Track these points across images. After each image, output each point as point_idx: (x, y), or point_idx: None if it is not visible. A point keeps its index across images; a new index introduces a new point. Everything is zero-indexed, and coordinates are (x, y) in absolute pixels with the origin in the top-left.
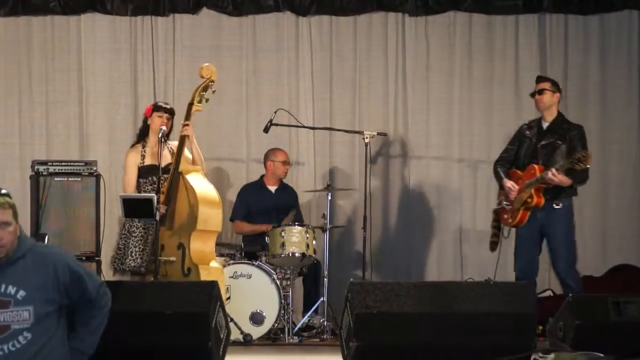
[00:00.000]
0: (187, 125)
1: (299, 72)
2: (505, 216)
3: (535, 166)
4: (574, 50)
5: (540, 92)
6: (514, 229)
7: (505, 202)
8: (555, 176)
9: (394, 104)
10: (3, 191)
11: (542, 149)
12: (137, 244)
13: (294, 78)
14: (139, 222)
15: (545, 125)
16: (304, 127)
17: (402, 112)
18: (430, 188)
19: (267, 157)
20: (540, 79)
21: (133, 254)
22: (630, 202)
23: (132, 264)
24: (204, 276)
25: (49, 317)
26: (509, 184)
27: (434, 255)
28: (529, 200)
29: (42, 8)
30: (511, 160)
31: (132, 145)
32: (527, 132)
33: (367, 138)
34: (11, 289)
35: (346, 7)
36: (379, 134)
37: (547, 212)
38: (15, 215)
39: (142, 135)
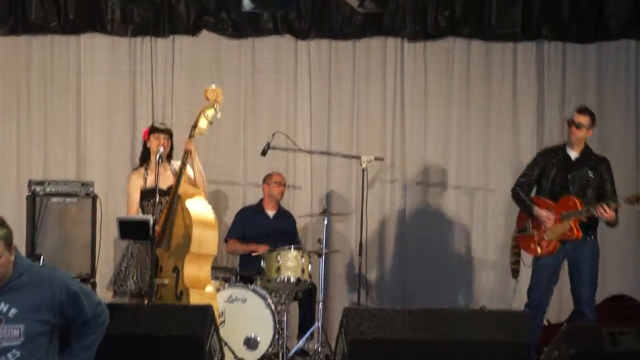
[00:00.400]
0: (190, 141)
1: (297, 96)
2: (532, 245)
3: (575, 199)
4: (571, 78)
5: (578, 126)
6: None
7: (531, 230)
8: (607, 212)
9: (392, 129)
10: None
11: (572, 179)
12: (138, 267)
13: (292, 101)
14: (141, 245)
15: (573, 155)
16: (301, 150)
17: (400, 138)
18: (426, 214)
19: (263, 180)
20: (583, 111)
21: (134, 277)
22: (627, 234)
23: (133, 287)
24: (195, 300)
25: (41, 337)
26: (545, 213)
27: (430, 281)
28: (569, 233)
29: (42, 28)
30: (531, 185)
31: (135, 169)
32: (553, 160)
33: (364, 163)
34: (3, 307)
35: (345, 31)
36: (376, 158)
37: (578, 244)
38: (7, 245)
39: (144, 159)
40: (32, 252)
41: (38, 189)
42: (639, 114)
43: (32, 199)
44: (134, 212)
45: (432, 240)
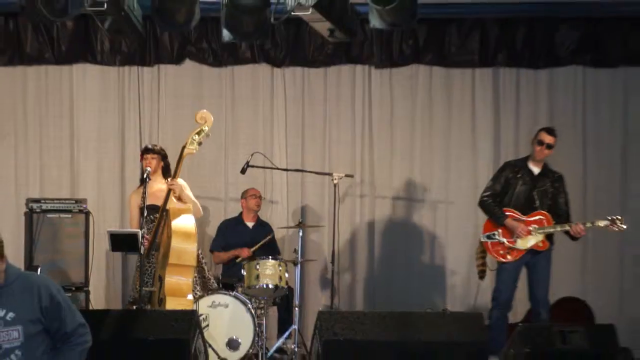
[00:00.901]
0: (173, 182)
1: (274, 119)
2: (502, 252)
3: (547, 215)
4: (525, 101)
5: (549, 147)
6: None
7: (504, 239)
8: (583, 232)
9: (361, 149)
10: None
11: (537, 194)
12: (134, 276)
13: (269, 124)
14: (144, 258)
15: (535, 170)
16: (277, 168)
17: (368, 156)
18: (393, 225)
19: (241, 196)
20: (549, 131)
21: (135, 285)
22: (574, 242)
23: (132, 294)
24: (172, 307)
25: (38, 335)
26: (521, 227)
27: (397, 286)
28: (541, 244)
29: (37, 58)
30: (497, 197)
31: (137, 188)
32: (518, 175)
33: (335, 179)
34: (0, 312)
35: (317, 59)
36: (346, 175)
37: (533, 253)
38: (0, 256)
39: (144, 180)
40: (30, 264)
41: (35, 206)
42: (586, 133)
43: (29, 215)
44: (135, 227)
45: (399, 249)
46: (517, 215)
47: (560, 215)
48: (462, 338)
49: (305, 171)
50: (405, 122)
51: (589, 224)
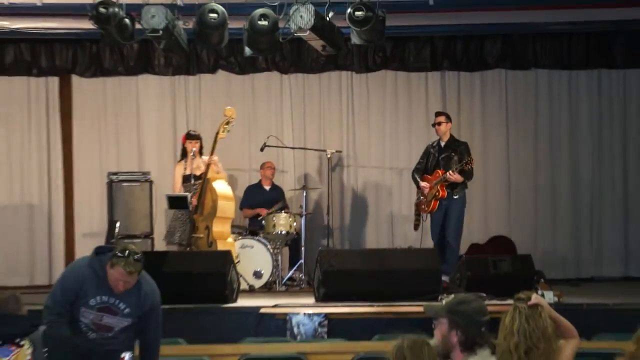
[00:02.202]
0: (211, 158)
1: (283, 111)
2: (423, 206)
3: (439, 171)
4: (463, 95)
5: (439, 124)
6: (429, 215)
7: (422, 197)
8: (452, 175)
9: (346, 132)
10: (135, 256)
11: (442, 160)
12: (181, 226)
13: (280, 115)
14: (182, 212)
15: (442, 144)
16: (286, 147)
17: (352, 137)
18: (371, 187)
19: (260, 167)
20: (437, 114)
21: (179, 232)
22: (500, 194)
23: (178, 239)
24: (221, 247)
25: (133, 327)
26: (423, 184)
27: (374, 231)
28: (437, 193)
29: (112, 71)
30: (422, 169)
31: (179, 162)
32: (432, 150)
33: (328, 154)
34: (122, 305)
35: (314, 67)
36: (336, 151)
37: (449, 200)
38: (139, 272)
39: (183, 155)
40: (111, 219)
41: (113, 177)
42: (509, 121)
43: (110, 184)
44: (177, 190)
45: (375, 203)
46: (429, 177)
47: (460, 170)
48: (422, 266)
49: (307, 148)
50: (378, 112)
51: (453, 168)
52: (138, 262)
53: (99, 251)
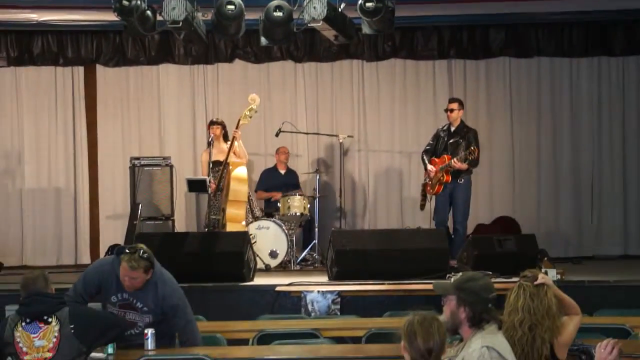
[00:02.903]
0: (236, 131)
1: (297, 98)
2: (429, 188)
3: (446, 156)
4: (469, 82)
5: (451, 110)
6: (434, 196)
7: (428, 180)
8: (456, 163)
9: (357, 118)
10: (141, 253)
11: (450, 145)
12: (207, 210)
13: (294, 102)
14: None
15: (452, 129)
16: (301, 133)
17: (363, 123)
18: (381, 170)
19: (275, 152)
20: (451, 101)
21: (206, 215)
22: (505, 176)
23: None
24: (232, 229)
25: (157, 324)
26: (429, 167)
27: (384, 212)
28: (441, 178)
29: (135, 61)
30: (432, 151)
31: (205, 149)
32: (442, 133)
33: (341, 139)
34: (139, 304)
35: (327, 56)
36: (348, 136)
37: (454, 185)
38: (146, 270)
39: (209, 143)
40: (134, 201)
41: (136, 162)
42: (513, 106)
43: (132, 168)
44: (205, 175)
45: (386, 186)
46: (436, 161)
47: (464, 159)
48: (431, 245)
49: (320, 134)
50: (388, 99)
51: (457, 157)
52: (143, 259)
53: (119, 251)
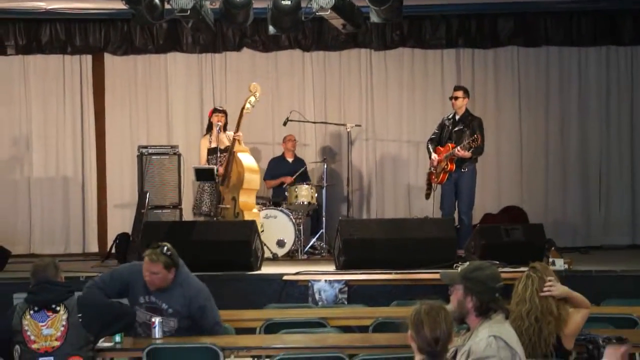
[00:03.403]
0: (238, 133)
1: (305, 87)
2: (433, 177)
3: (450, 145)
4: (477, 71)
5: (455, 98)
6: (439, 186)
7: (432, 168)
8: (460, 151)
9: (365, 107)
10: (164, 249)
11: (454, 133)
12: (208, 197)
13: (302, 91)
14: (208, 184)
15: (457, 117)
16: (308, 121)
17: (370, 112)
18: (388, 159)
19: (283, 140)
20: (456, 89)
21: (206, 204)
22: (513, 166)
23: (206, 210)
24: (247, 217)
25: (190, 326)
26: (434, 156)
27: (392, 201)
28: (445, 167)
29: (143, 50)
30: (437, 140)
31: (204, 135)
32: (446, 122)
33: (348, 128)
34: (165, 306)
35: (334, 45)
36: (356, 125)
37: (459, 174)
38: (167, 266)
39: (209, 129)
40: (142, 189)
41: (144, 150)
42: (521, 96)
43: (140, 157)
44: (203, 163)
45: (394, 175)
46: (440, 149)
47: (469, 147)
48: (439, 235)
49: (327, 123)
50: (395, 88)
51: (461, 145)
52: (163, 255)
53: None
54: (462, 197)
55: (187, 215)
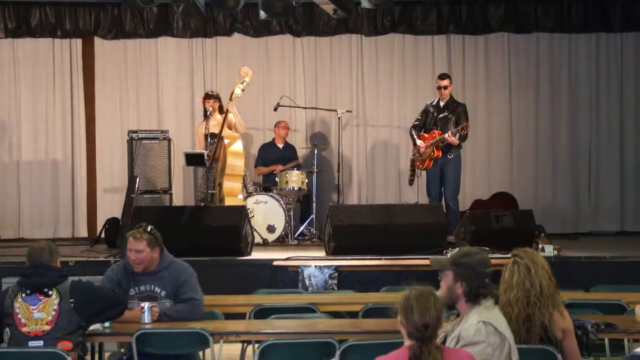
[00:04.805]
0: (230, 102)
1: (296, 72)
2: (418, 163)
3: (436, 131)
4: (468, 56)
5: (445, 87)
6: (424, 172)
7: (417, 155)
8: (450, 137)
9: (356, 93)
10: (147, 228)
11: (439, 120)
12: (204, 183)
13: (293, 76)
14: (203, 168)
15: (442, 104)
16: (299, 107)
17: (361, 98)
18: (379, 145)
19: (274, 125)
20: (443, 77)
21: (202, 189)
22: (503, 152)
23: (202, 195)
24: (229, 203)
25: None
26: (419, 143)
27: (382, 187)
28: (432, 154)
29: (133, 34)
30: (420, 127)
31: (201, 122)
32: (431, 109)
33: (339, 114)
34: (157, 289)
35: (325, 30)
36: (347, 111)
37: (444, 160)
38: (150, 243)
39: (205, 116)
40: (132, 174)
41: (134, 135)
42: (511, 82)
43: (130, 141)
44: (202, 149)
45: (384, 161)
46: (425, 136)
47: (459, 133)
48: (429, 221)
49: (318, 108)
50: (386, 73)
51: (450, 132)
52: (146, 232)
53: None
54: (448, 183)
55: (177, 200)
